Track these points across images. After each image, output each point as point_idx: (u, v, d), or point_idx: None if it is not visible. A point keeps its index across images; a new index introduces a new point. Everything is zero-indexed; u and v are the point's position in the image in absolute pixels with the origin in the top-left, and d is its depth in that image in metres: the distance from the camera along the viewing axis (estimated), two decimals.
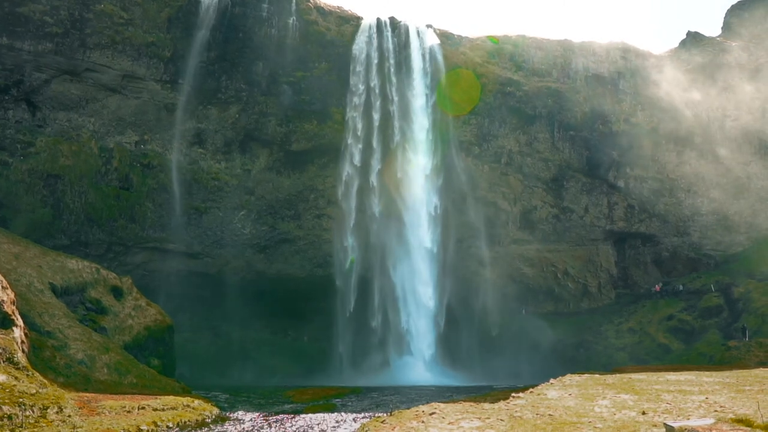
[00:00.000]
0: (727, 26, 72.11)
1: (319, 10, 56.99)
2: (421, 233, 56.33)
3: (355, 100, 56.14)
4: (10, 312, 25.59)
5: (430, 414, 21.94)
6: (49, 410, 20.82)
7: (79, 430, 20.09)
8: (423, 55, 58.34)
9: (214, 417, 27.16)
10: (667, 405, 21.47)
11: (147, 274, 51.91)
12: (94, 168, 49.78)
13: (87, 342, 32.56)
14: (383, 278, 56.02)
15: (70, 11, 48.27)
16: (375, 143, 56.51)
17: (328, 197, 57.29)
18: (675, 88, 61.98)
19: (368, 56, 56.73)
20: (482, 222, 60.28)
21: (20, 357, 24.02)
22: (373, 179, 56.44)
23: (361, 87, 56.26)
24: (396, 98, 56.97)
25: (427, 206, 56.86)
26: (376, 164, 56.53)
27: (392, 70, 57.21)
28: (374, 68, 56.60)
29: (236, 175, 54.70)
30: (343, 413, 28.68)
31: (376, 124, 56.47)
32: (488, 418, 20.51)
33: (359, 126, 56.04)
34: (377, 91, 56.54)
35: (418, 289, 55.44)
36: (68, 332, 32.32)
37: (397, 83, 57.15)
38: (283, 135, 55.26)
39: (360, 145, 56.15)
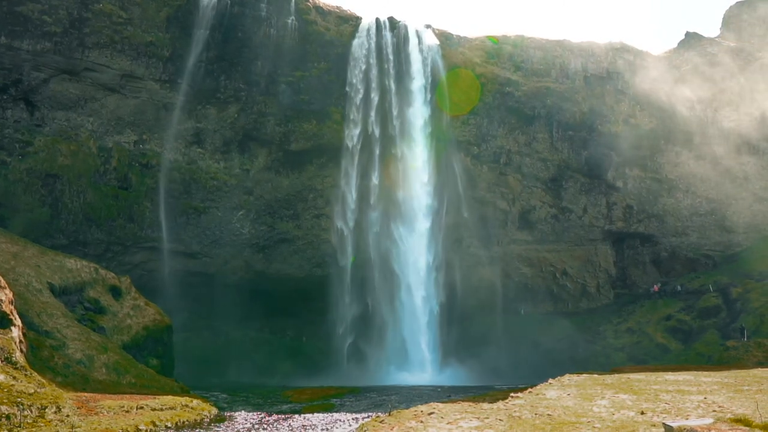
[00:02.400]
0: (725, 26, 72.25)
1: (318, 9, 56.97)
2: (420, 233, 56.34)
3: (354, 99, 56.13)
4: (8, 311, 25.56)
5: (429, 414, 21.95)
6: (47, 410, 20.80)
7: (77, 429, 20.06)
8: (422, 55, 58.30)
9: (212, 417, 27.15)
10: (666, 405, 21.49)
11: (145, 273, 51.82)
12: (92, 167, 49.71)
13: (85, 342, 32.53)
14: (382, 278, 56.00)
15: (69, 10, 48.20)
16: (374, 143, 56.51)
17: (327, 197, 57.27)
18: (673, 88, 62.04)
19: (367, 56, 56.70)
20: (481, 222, 60.32)
21: (18, 357, 23.99)
22: (372, 179, 56.44)
23: (360, 87, 56.26)
24: (395, 98, 56.96)
25: (425, 206, 56.86)
26: (375, 164, 56.52)
27: (391, 70, 57.19)
28: (373, 68, 56.57)
29: (235, 175, 54.67)
30: (341, 413, 28.69)
31: (375, 123, 56.46)
32: (487, 418, 20.52)
33: (358, 126, 56.05)
34: (376, 90, 56.51)
35: (417, 289, 55.44)
36: (66, 332, 32.29)
37: (395, 83, 57.14)
38: (281, 135, 55.23)
39: (359, 145, 56.15)
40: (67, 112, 49.40)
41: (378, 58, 56.84)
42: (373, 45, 57.01)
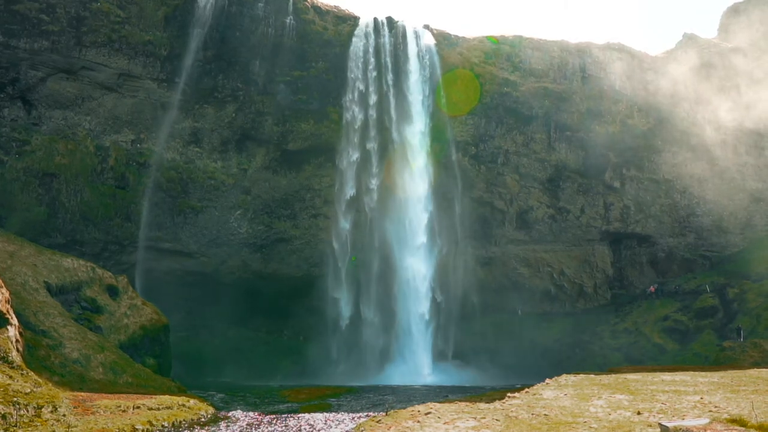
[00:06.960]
0: (723, 28, 72.47)
1: (316, 9, 56.92)
2: (418, 233, 56.33)
3: (352, 99, 56.11)
4: (4, 311, 25.50)
5: (426, 414, 21.97)
6: (43, 409, 20.77)
7: (73, 429, 20.03)
8: (420, 56, 58.32)
9: (209, 416, 27.12)
10: (662, 405, 21.55)
11: (143, 273, 51.72)
12: (89, 167, 49.62)
13: (82, 341, 32.47)
14: (379, 278, 55.99)
15: (67, 9, 48.07)
16: (372, 143, 56.51)
17: (325, 197, 57.25)
18: (671, 89, 62.16)
19: (365, 56, 56.68)
20: (478, 222, 60.38)
21: (15, 356, 23.95)
22: (370, 178, 56.42)
23: (358, 87, 56.24)
24: (393, 98, 56.96)
25: (423, 206, 56.87)
26: (373, 164, 56.53)
27: (389, 70, 57.18)
28: (371, 68, 56.57)
29: (232, 175, 54.61)
30: (338, 413, 28.68)
31: (374, 124, 56.46)
32: (484, 418, 20.54)
33: (356, 126, 56.04)
34: (374, 91, 56.48)
35: (415, 289, 55.46)
36: (63, 331, 32.23)
37: (394, 83, 57.15)
38: (279, 134, 55.19)
39: (357, 146, 56.14)
40: (64, 111, 49.29)
41: (376, 57, 56.81)
42: (371, 45, 56.98)
